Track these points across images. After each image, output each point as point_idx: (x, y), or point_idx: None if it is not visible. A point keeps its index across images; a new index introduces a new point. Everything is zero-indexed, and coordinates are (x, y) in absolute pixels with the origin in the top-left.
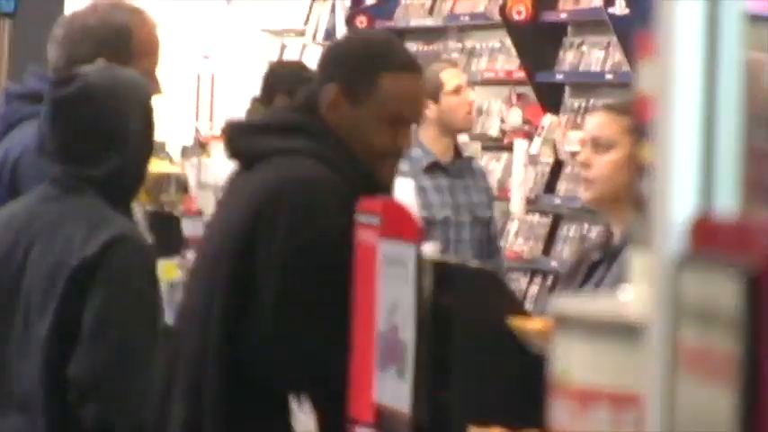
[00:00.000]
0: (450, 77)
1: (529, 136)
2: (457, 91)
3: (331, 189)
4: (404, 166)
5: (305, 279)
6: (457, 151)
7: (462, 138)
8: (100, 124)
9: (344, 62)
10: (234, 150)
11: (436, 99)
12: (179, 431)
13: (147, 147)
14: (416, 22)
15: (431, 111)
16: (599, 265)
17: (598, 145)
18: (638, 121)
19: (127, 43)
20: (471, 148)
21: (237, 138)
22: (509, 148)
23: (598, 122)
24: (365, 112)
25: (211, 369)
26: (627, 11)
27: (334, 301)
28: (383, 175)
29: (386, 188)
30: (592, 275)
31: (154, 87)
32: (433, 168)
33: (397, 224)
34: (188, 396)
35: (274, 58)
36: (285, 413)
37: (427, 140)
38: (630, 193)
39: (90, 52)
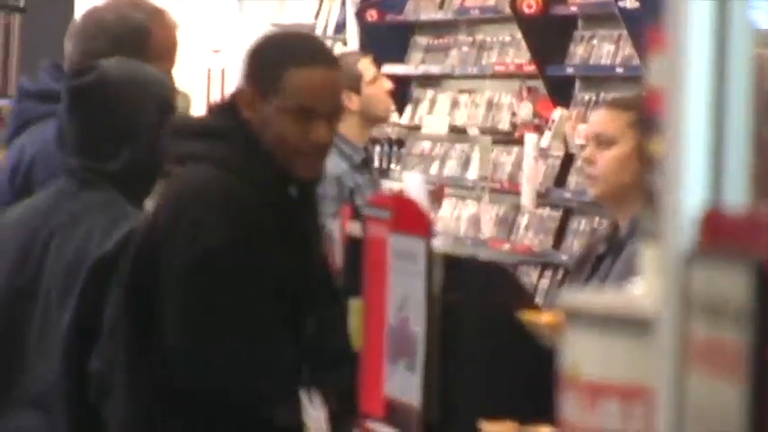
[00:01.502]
0: (367, 67)
1: (539, 130)
2: (375, 80)
3: (227, 198)
4: (341, 163)
5: (206, 289)
6: None
7: (473, 131)
8: (114, 116)
9: (254, 62)
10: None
11: (357, 90)
12: None
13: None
14: (427, 15)
15: (353, 103)
16: (604, 258)
17: (601, 141)
18: (643, 115)
19: (144, 42)
20: (482, 141)
21: (168, 140)
22: (519, 142)
23: (600, 119)
24: (275, 108)
25: (121, 380)
26: (637, 4)
27: (239, 305)
28: (302, 171)
29: (306, 184)
30: (598, 268)
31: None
32: (363, 164)
33: (408, 218)
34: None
35: None
36: (212, 425)
37: (352, 135)
38: (636, 187)
39: (105, 48)
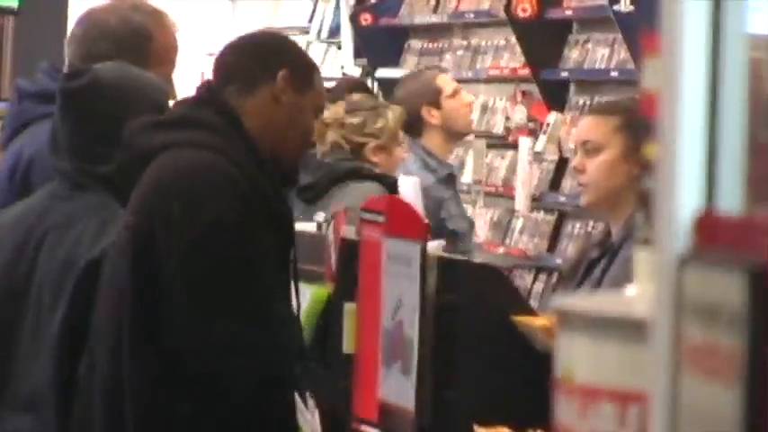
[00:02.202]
0: (446, 82)
1: (533, 134)
2: (455, 93)
3: (219, 177)
4: (428, 176)
5: (210, 266)
6: None
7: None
8: (106, 119)
9: (290, 50)
10: (131, 149)
11: (438, 105)
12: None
13: None
14: (421, 19)
15: (435, 117)
16: (597, 263)
17: (588, 148)
18: (631, 118)
19: (145, 46)
20: (476, 145)
21: (133, 136)
22: (514, 146)
23: (585, 126)
24: (307, 101)
25: (130, 368)
26: (632, 8)
27: (239, 283)
28: (296, 166)
29: (294, 180)
30: (591, 273)
31: (169, 92)
32: (448, 179)
33: (403, 222)
34: (107, 396)
35: None
36: (216, 405)
37: (436, 149)
38: (628, 192)
39: (107, 51)
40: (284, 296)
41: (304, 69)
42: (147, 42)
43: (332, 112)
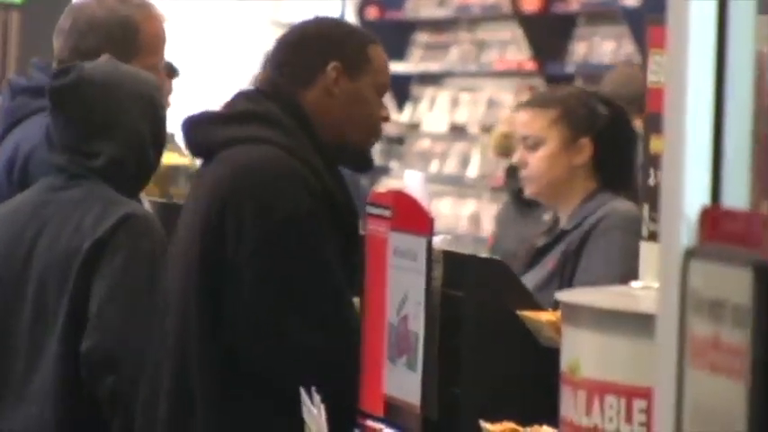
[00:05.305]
0: None
1: None
2: None
3: (291, 172)
4: None
5: (279, 264)
6: None
7: (473, 129)
8: (94, 115)
9: (337, 39)
10: (193, 143)
11: None
12: (166, 414)
13: (150, 138)
14: (427, 12)
15: None
16: (546, 251)
17: (528, 144)
18: (566, 110)
19: (133, 38)
20: (482, 140)
21: (196, 130)
22: None
23: (523, 121)
24: (364, 84)
25: (196, 355)
26: (638, 2)
27: (312, 282)
28: (369, 146)
29: (368, 164)
30: (538, 261)
31: (159, 85)
32: None
33: (409, 216)
34: (174, 379)
35: None
36: (283, 402)
37: None
38: (572, 181)
39: (96, 45)
40: (351, 301)
41: (355, 54)
42: (134, 34)
43: None
